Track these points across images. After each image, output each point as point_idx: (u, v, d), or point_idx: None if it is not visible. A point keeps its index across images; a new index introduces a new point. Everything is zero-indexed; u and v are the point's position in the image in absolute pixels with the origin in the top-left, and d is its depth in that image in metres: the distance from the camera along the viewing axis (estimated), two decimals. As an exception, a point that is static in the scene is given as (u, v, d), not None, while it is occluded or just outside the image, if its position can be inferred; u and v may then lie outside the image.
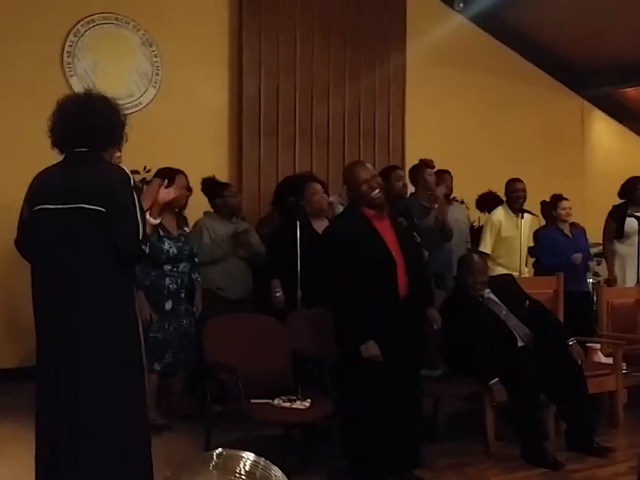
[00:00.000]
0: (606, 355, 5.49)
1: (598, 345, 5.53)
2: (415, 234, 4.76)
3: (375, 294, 3.97)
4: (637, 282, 6.30)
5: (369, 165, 4.29)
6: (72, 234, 3.09)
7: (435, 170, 6.18)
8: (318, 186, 5.58)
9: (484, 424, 4.65)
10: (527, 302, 4.93)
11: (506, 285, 4.97)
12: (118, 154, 4.23)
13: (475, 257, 5.01)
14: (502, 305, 4.81)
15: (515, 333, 4.74)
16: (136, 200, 3.10)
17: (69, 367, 3.04)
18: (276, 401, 4.18)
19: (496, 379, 4.47)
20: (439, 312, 4.48)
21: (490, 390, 4.52)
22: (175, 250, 4.99)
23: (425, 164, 6.15)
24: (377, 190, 4.07)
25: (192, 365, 5.01)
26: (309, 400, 4.19)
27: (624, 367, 5.27)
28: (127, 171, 3.17)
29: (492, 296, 4.82)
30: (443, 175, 6.53)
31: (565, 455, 4.53)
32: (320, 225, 5.39)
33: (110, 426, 3.04)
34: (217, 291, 5.44)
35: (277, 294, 5.31)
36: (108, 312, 3.08)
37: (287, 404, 4.16)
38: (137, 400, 3.17)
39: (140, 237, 3.08)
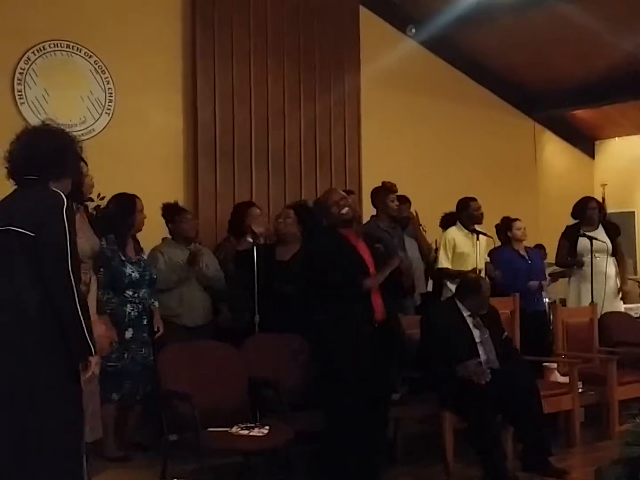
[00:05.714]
0: (562, 375, 5.54)
1: (554, 365, 5.58)
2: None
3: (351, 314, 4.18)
4: (591, 301, 6.37)
5: (340, 190, 4.69)
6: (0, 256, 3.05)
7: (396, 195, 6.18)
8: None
9: (443, 445, 4.66)
10: (505, 334, 5.08)
11: (492, 314, 5.08)
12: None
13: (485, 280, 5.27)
14: (486, 329, 4.89)
15: (482, 355, 4.78)
16: (67, 227, 3.03)
17: None
18: (234, 429, 4.13)
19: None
20: (421, 320, 4.91)
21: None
22: (137, 275, 4.93)
23: (387, 188, 6.08)
24: (347, 209, 4.36)
25: (150, 396, 4.94)
26: (268, 427, 4.15)
27: (580, 386, 5.33)
28: (63, 198, 3.09)
29: (479, 320, 4.92)
30: (403, 204, 6.53)
31: (522, 476, 4.55)
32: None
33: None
34: (173, 318, 5.38)
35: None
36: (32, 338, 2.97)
37: (245, 432, 4.10)
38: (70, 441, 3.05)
39: (69, 266, 2.99)
